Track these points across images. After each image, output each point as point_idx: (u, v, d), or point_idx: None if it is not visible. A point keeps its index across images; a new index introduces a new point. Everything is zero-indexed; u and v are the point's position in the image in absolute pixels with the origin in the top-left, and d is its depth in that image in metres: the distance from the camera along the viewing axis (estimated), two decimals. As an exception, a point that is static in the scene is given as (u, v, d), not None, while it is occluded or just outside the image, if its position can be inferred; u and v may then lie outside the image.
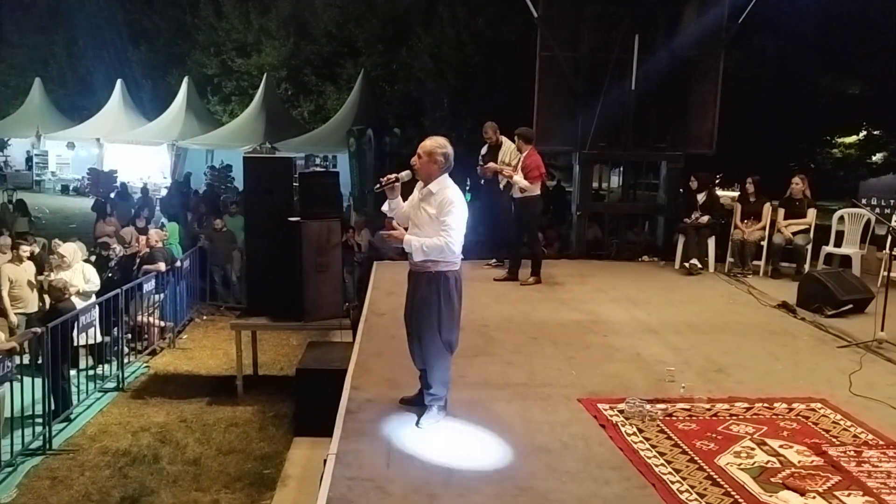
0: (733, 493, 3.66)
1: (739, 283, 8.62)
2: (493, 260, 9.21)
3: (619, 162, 11.76)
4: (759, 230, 9.14)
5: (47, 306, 8.53)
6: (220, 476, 6.56)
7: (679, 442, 4.25)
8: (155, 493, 6.22)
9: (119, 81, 25.76)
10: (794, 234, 8.91)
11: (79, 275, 9.02)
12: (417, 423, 4.38)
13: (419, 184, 4.48)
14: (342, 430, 4.32)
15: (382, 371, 5.30)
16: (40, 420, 7.14)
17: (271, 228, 8.18)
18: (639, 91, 9.72)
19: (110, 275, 10.41)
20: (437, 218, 4.30)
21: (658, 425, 4.48)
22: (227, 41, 25.96)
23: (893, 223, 8.62)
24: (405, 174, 4.48)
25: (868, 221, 8.85)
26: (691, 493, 3.66)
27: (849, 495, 3.67)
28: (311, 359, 7.67)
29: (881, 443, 4.30)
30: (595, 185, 13.15)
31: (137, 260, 10.61)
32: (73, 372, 8.07)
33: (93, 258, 10.72)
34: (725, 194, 17.59)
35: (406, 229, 4.48)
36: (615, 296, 7.95)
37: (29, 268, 9.39)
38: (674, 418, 4.60)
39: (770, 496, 3.64)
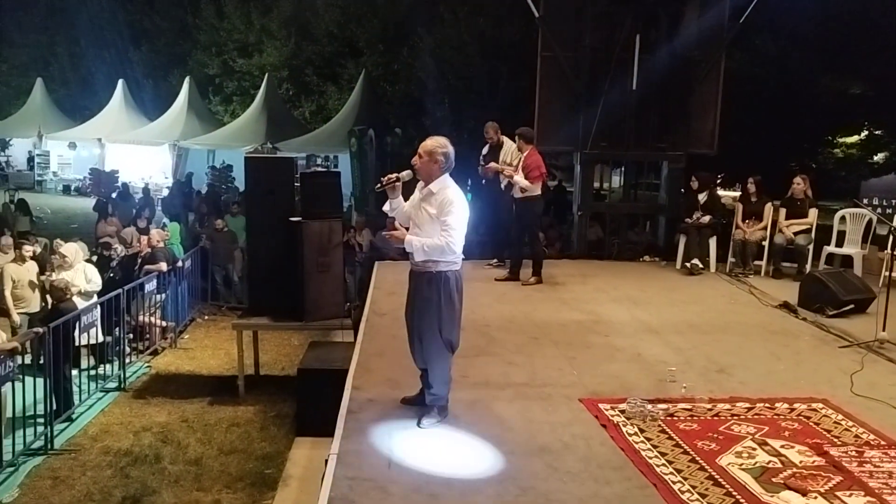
0: (735, 493, 3.66)
1: (741, 283, 8.61)
2: (495, 260, 9.21)
3: (620, 162, 11.75)
4: (761, 230, 9.13)
5: (49, 306, 8.54)
6: (222, 476, 6.57)
7: (680, 442, 4.25)
8: (156, 493, 6.23)
9: (120, 81, 25.77)
10: (796, 234, 8.90)
11: (80, 275, 9.03)
12: (419, 424, 4.38)
13: (420, 184, 4.48)
14: (343, 430, 4.32)
15: (384, 371, 5.30)
16: (42, 420, 7.15)
17: (273, 228, 8.19)
18: (640, 91, 9.71)
19: (112, 275, 10.42)
20: (438, 218, 4.30)
21: (659, 425, 4.48)
22: (229, 41, 25.96)
23: (895, 223, 8.61)
24: (406, 174, 4.48)
25: (869, 221, 8.84)
26: (693, 494, 3.66)
27: (850, 496, 3.67)
28: (312, 359, 7.68)
29: (883, 443, 4.29)
30: (596, 185, 13.15)
31: (139, 260, 10.62)
32: (74, 372, 8.08)
33: (94, 258, 10.73)
34: (727, 194, 17.57)
35: (407, 229, 4.48)
36: (616, 296, 7.95)
37: (32, 268, 9.41)
38: (675, 418, 4.59)
39: (771, 496, 3.64)
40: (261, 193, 8.32)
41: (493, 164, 8.59)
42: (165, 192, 21.97)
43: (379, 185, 4.49)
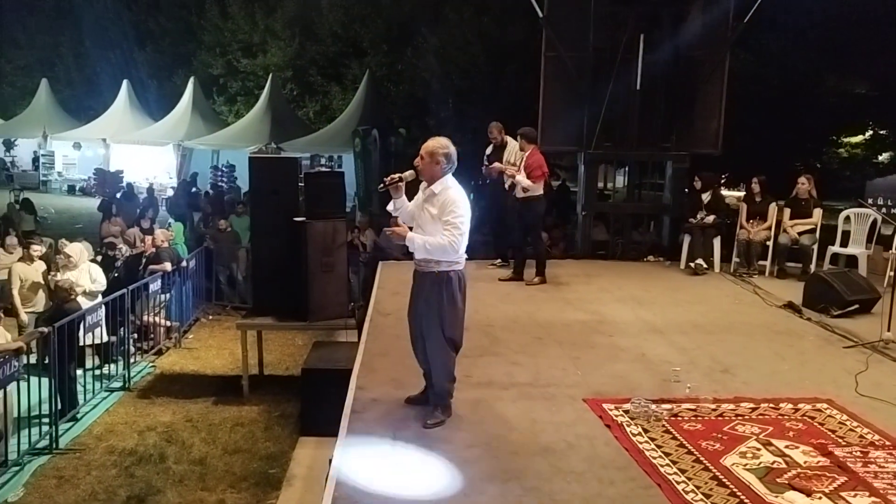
0: (739, 493, 3.66)
1: (745, 283, 8.60)
2: (499, 260, 9.21)
3: (624, 162, 11.74)
4: (765, 230, 9.11)
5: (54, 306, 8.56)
6: (226, 475, 6.58)
7: (684, 442, 4.24)
8: (161, 493, 6.24)
9: (125, 82, 25.85)
10: (800, 234, 8.89)
11: (85, 275, 9.05)
12: (423, 424, 4.38)
13: (423, 184, 4.49)
14: (347, 429, 4.33)
15: (388, 371, 5.31)
16: (47, 419, 7.16)
17: (277, 228, 8.21)
18: (644, 91, 9.70)
19: (116, 275, 10.44)
20: (440, 218, 4.30)
21: (663, 425, 4.47)
22: (233, 42, 26.03)
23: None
24: (409, 174, 4.49)
25: (874, 221, 8.82)
26: (697, 494, 3.65)
27: (855, 496, 3.66)
28: (316, 359, 7.69)
29: (887, 443, 4.28)
30: (600, 184, 13.12)
31: (143, 260, 10.64)
32: (79, 371, 8.10)
33: (99, 258, 10.75)
34: (731, 194, 17.57)
35: (411, 229, 4.48)
36: (620, 296, 7.94)
37: (39, 267, 9.43)
38: (679, 418, 4.59)
39: (776, 496, 3.64)
40: (265, 193, 8.34)
41: (496, 164, 8.59)
42: (170, 193, 22.02)
43: (382, 185, 4.50)
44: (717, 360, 5.81)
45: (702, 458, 4.03)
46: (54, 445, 7.04)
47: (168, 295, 10.37)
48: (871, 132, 18.38)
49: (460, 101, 18.24)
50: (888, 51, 13.50)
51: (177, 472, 6.60)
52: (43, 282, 9.31)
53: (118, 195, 19.14)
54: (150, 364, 9.57)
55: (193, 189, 20.45)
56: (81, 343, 8.17)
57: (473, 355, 5.55)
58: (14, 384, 6.74)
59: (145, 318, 9.80)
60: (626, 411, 4.64)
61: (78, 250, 9.28)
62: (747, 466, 3.95)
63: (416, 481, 3.76)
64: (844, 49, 14.30)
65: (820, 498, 3.64)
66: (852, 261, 8.78)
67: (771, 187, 9.46)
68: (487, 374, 5.36)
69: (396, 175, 4.47)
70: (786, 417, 4.65)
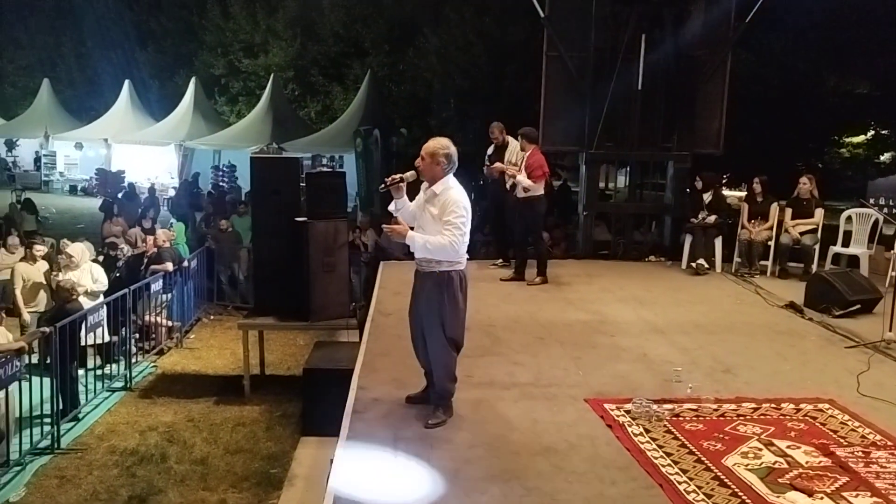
0: (741, 493, 3.65)
1: (747, 283, 8.60)
2: (500, 260, 9.21)
3: (625, 162, 11.73)
4: (767, 230, 9.11)
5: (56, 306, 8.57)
6: (228, 475, 6.59)
7: (686, 442, 4.24)
8: (162, 493, 6.25)
9: (127, 82, 25.87)
10: (802, 234, 8.89)
11: (87, 275, 9.06)
12: (425, 424, 4.38)
13: (424, 184, 4.49)
14: (349, 429, 4.33)
15: (389, 371, 5.31)
16: (49, 419, 7.17)
17: (278, 228, 8.22)
18: (645, 91, 9.69)
19: (118, 274, 10.45)
20: (441, 218, 4.31)
21: (665, 426, 4.47)
22: (235, 42, 26.03)
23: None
24: (410, 175, 4.49)
25: (876, 221, 8.81)
26: (698, 494, 3.65)
27: (857, 496, 3.66)
28: (317, 358, 7.69)
29: (889, 443, 4.28)
30: (601, 184, 13.12)
31: (145, 260, 10.65)
32: (81, 371, 8.11)
33: (100, 258, 10.77)
34: (733, 194, 17.55)
35: (412, 229, 4.48)
36: (622, 296, 7.94)
37: (41, 267, 9.45)
38: (681, 419, 4.59)
39: (777, 497, 3.63)
40: (266, 194, 8.34)
41: (498, 165, 8.59)
42: (171, 193, 22.04)
43: (383, 185, 4.50)
44: (719, 360, 5.80)
45: (703, 459, 4.03)
46: (56, 445, 7.05)
47: (169, 295, 10.38)
48: (872, 132, 18.34)
49: (462, 101, 18.22)
50: (890, 50, 13.48)
51: (178, 471, 6.61)
52: (45, 282, 9.32)
53: (120, 195, 19.17)
54: (152, 364, 9.58)
55: (195, 189, 20.46)
56: (83, 343, 8.17)
57: (475, 355, 5.55)
58: (16, 384, 6.75)
59: (147, 317, 9.81)
60: (628, 411, 4.64)
61: (80, 250, 9.30)
62: (749, 466, 3.95)
63: (418, 481, 3.76)
64: (846, 49, 14.27)
65: (821, 498, 3.63)
66: (854, 261, 8.78)
67: (772, 187, 9.45)
68: (489, 374, 5.36)
69: (397, 175, 4.47)
70: (787, 417, 4.65)
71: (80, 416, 7.73)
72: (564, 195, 16.61)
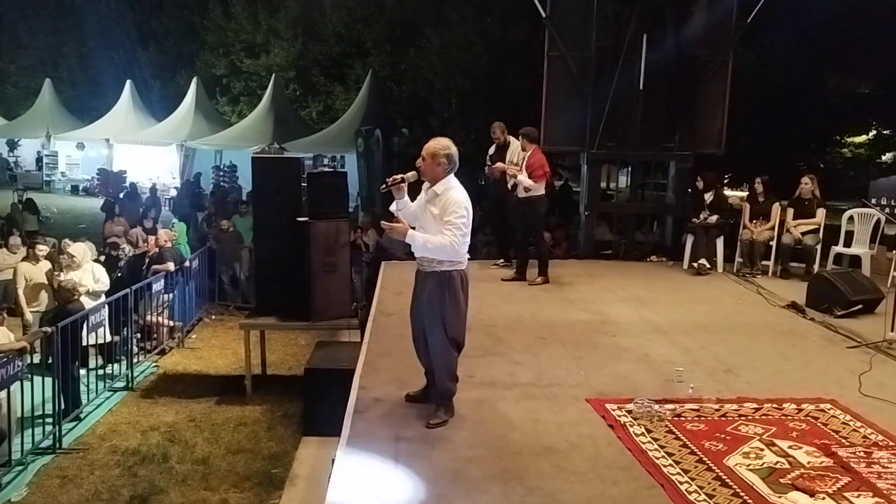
0: (742, 493, 3.65)
1: (748, 283, 8.59)
2: (501, 260, 9.21)
3: (627, 162, 11.73)
4: (768, 230, 9.10)
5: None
6: (229, 475, 6.59)
7: (687, 442, 4.24)
8: (164, 493, 6.25)
9: (128, 82, 25.90)
10: (804, 234, 8.88)
11: (88, 274, 9.07)
12: (426, 424, 4.38)
13: (425, 184, 4.49)
14: (350, 429, 4.33)
15: (391, 371, 5.31)
16: (50, 419, 7.18)
17: (280, 228, 8.22)
18: (647, 90, 9.69)
19: (119, 274, 10.46)
20: (442, 218, 4.31)
21: (666, 426, 4.47)
22: (236, 42, 26.05)
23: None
24: (411, 175, 4.49)
25: (878, 221, 8.80)
26: (700, 494, 3.65)
27: (858, 496, 3.65)
28: (319, 358, 7.69)
29: (891, 444, 4.27)
30: (603, 184, 13.13)
31: (146, 260, 10.66)
32: (82, 371, 8.11)
33: (102, 258, 10.78)
34: (734, 194, 17.54)
35: (414, 229, 4.48)
36: (623, 296, 7.93)
37: (43, 267, 9.46)
38: (682, 419, 4.59)
39: (779, 497, 3.63)
40: (268, 194, 8.34)
41: (499, 164, 8.59)
42: (173, 193, 22.05)
43: (384, 185, 4.51)
44: (721, 360, 5.80)
45: (705, 459, 4.03)
46: (58, 445, 7.05)
47: (171, 295, 10.38)
48: (874, 132, 18.35)
49: (463, 101, 18.23)
50: (891, 50, 13.47)
51: (180, 471, 6.61)
52: (47, 282, 9.33)
53: (121, 195, 19.19)
54: (154, 364, 9.58)
55: (197, 189, 20.48)
56: (85, 343, 8.18)
57: (476, 355, 5.55)
58: (17, 384, 6.76)
59: (148, 317, 9.82)
60: (629, 411, 4.64)
61: (81, 250, 9.30)
62: (750, 467, 3.94)
63: (419, 481, 3.76)
64: (847, 49, 14.26)
65: (823, 498, 3.63)
66: (856, 261, 8.77)
67: (774, 187, 9.44)
68: (490, 374, 5.36)
69: (399, 176, 4.47)
70: (789, 418, 4.64)
71: (82, 415, 7.73)
72: (566, 195, 16.62)
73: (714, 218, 9.11)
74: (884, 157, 18.94)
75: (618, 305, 7.49)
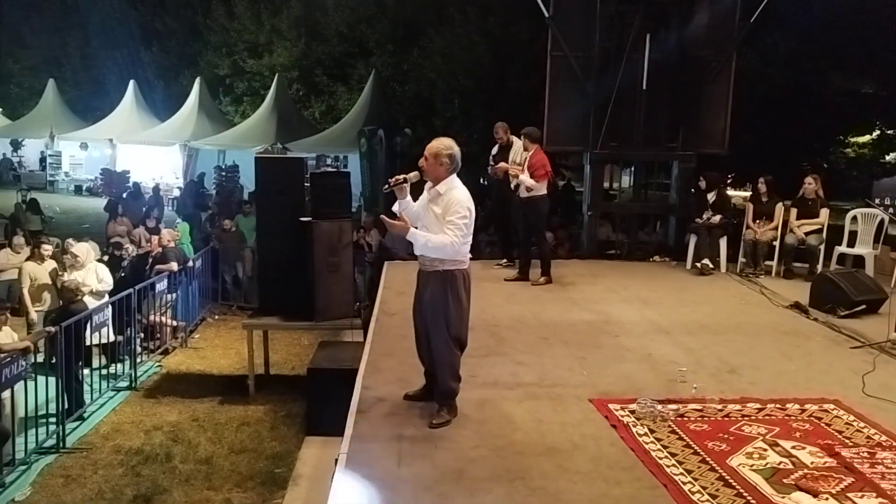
0: (745, 493, 3.65)
1: (751, 283, 8.58)
2: (504, 260, 9.21)
3: (630, 161, 11.72)
4: (772, 230, 9.09)
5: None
6: (232, 475, 6.59)
7: (691, 443, 4.23)
8: (167, 492, 6.26)
9: (132, 82, 25.95)
10: (807, 234, 8.86)
11: (92, 274, 9.09)
12: (429, 424, 4.38)
13: (428, 184, 4.50)
14: (353, 429, 4.33)
15: (393, 371, 5.31)
16: (54, 419, 7.19)
17: (283, 228, 8.23)
18: (650, 90, 9.69)
19: (123, 274, 10.48)
20: (444, 218, 4.32)
21: (669, 426, 4.47)
22: (239, 42, 26.08)
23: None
24: (413, 175, 4.49)
25: (881, 221, 8.78)
26: (703, 494, 3.65)
27: (862, 497, 3.65)
28: (322, 358, 7.70)
29: (895, 444, 4.27)
30: (606, 184, 13.11)
31: (150, 259, 10.67)
32: (86, 371, 8.12)
33: (105, 258, 10.79)
34: (737, 194, 17.51)
35: (416, 229, 4.49)
36: (626, 296, 7.93)
37: (48, 266, 9.48)
38: (685, 419, 4.58)
39: (782, 497, 3.63)
40: (271, 194, 8.34)
41: (502, 164, 8.59)
42: (176, 193, 22.08)
43: (387, 186, 4.51)
44: (724, 360, 5.79)
45: (708, 459, 4.03)
46: (61, 444, 7.06)
47: (174, 295, 10.39)
48: (878, 132, 18.29)
49: (466, 101, 18.23)
50: (895, 50, 13.44)
51: (183, 471, 6.61)
52: (51, 281, 9.35)
53: (125, 195, 19.21)
54: (157, 364, 9.59)
55: (201, 189, 20.49)
56: (88, 343, 8.19)
57: (479, 355, 5.56)
58: (21, 383, 6.76)
59: (152, 317, 9.83)
60: (632, 411, 4.64)
61: (85, 250, 9.32)
62: (754, 467, 3.94)
63: (422, 480, 3.76)
64: (851, 48, 14.22)
65: (827, 499, 3.63)
66: (859, 261, 8.75)
67: (777, 187, 9.43)
68: (493, 374, 5.36)
69: (401, 176, 4.48)
70: (792, 418, 4.64)
71: (86, 415, 7.74)
72: (569, 195, 16.61)
73: (717, 218, 9.10)
74: (888, 157, 18.88)
75: (621, 305, 7.49)
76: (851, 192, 16.59)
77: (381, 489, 3.67)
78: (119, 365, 8.99)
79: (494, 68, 17.73)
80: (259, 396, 8.43)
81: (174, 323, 10.38)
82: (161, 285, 9.94)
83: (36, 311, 9.13)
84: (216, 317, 11.88)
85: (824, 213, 8.96)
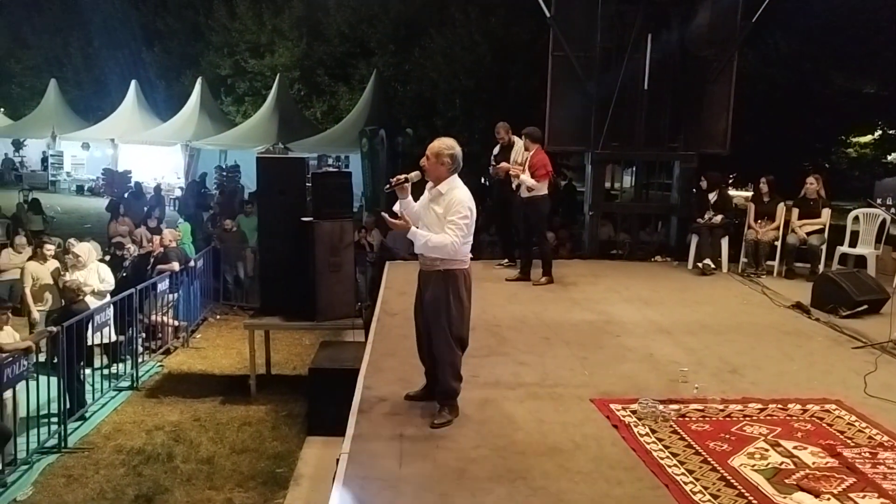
0: (747, 494, 3.65)
1: (753, 283, 8.57)
2: (506, 260, 9.21)
3: (631, 162, 11.72)
4: (773, 230, 9.08)
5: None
6: (234, 475, 6.60)
7: (692, 443, 4.23)
8: (169, 492, 6.27)
9: (133, 82, 25.95)
10: (809, 234, 8.86)
11: (94, 274, 9.10)
12: (431, 424, 4.38)
13: (429, 184, 4.50)
14: (354, 429, 4.33)
15: (395, 370, 5.31)
16: (56, 418, 7.20)
17: (284, 228, 8.23)
18: (652, 91, 9.68)
19: (124, 274, 10.48)
20: (445, 217, 4.33)
21: (671, 426, 4.46)
22: (241, 42, 26.08)
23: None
24: (415, 175, 4.50)
25: (883, 221, 8.77)
26: (704, 494, 3.64)
27: (864, 497, 3.64)
28: (323, 358, 7.70)
29: (897, 444, 4.27)
30: (607, 184, 13.11)
31: (151, 259, 10.68)
32: (87, 371, 8.13)
33: (107, 258, 10.80)
34: (739, 194, 17.50)
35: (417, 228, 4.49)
36: (628, 296, 7.93)
37: (50, 266, 9.49)
38: (687, 419, 4.58)
39: (784, 497, 3.63)
40: (273, 194, 8.35)
41: (504, 164, 8.59)
42: (178, 193, 22.08)
43: (388, 185, 4.52)
44: (725, 360, 5.79)
45: (710, 459, 4.02)
46: (63, 444, 7.08)
47: (176, 294, 10.40)
48: (879, 132, 18.28)
49: (467, 101, 18.22)
50: (898, 50, 13.44)
51: (184, 471, 6.62)
52: (52, 281, 9.36)
53: (126, 195, 19.22)
54: (158, 363, 9.60)
55: (203, 189, 20.48)
56: (90, 343, 8.20)
57: (480, 355, 5.56)
58: (22, 383, 6.77)
59: (153, 317, 9.84)
60: (634, 412, 4.63)
61: (86, 250, 9.33)
62: (755, 467, 3.94)
63: (424, 480, 3.76)
64: (853, 48, 14.21)
65: (828, 499, 3.62)
66: (861, 261, 8.74)
67: (779, 187, 9.43)
68: (494, 374, 5.36)
69: (402, 176, 4.49)
70: (794, 418, 4.64)
71: (87, 415, 7.76)
72: (570, 195, 16.61)
73: (719, 218, 9.09)
74: (889, 157, 18.87)
75: (622, 305, 7.49)
76: (853, 192, 16.58)
77: (382, 489, 3.67)
78: (121, 365, 9.00)
79: (496, 68, 17.73)
80: (260, 396, 8.44)
81: (176, 323, 10.39)
82: (163, 285, 9.95)
83: (38, 310, 9.15)
84: (218, 317, 11.89)
85: (826, 213, 8.96)
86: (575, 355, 5.86)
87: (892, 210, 8.58)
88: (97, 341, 8.49)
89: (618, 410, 4.67)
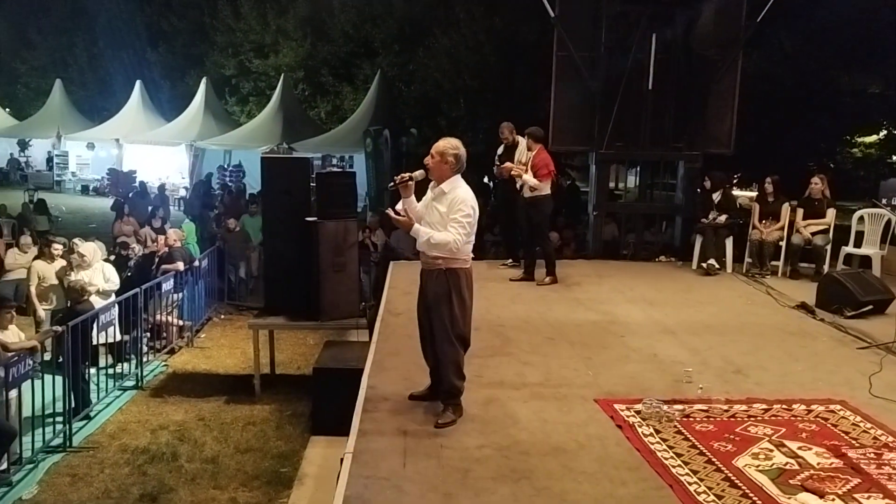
0: (751, 494, 3.64)
1: (758, 283, 8.56)
2: (510, 260, 9.20)
3: (635, 162, 11.70)
4: (778, 230, 9.07)
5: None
6: (238, 474, 6.61)
7: (696, 443, 4.23)
8: (173, 491, 6.28)
9: (138, 82, 26.02)
10: (814, 234, 8.84)
11: (99, 274, 9.11)
12: (435, 424, 4.38)
13: (432, 183, 4.52)
14: (359, 428, 4.34)
15: (399, 370, 5.32)
16: (61, 418, 7.22)
17: (289, 228, 8.24)
18: (656, 90, 9.66)
19: (129, 274, 10.50)
20: (448, 216, 4.34)
21: (675, 426, 4.46)
22: (245, 42, 26.13)
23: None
24: (419, 173, 4.52)
25: (888, 221, 8.75)
26: (709, 495, 3.64)
27: (868, 498, 3.64)
28: (327, 358, 7.71)
29: (901, 445, 4.26)
30: (611, 184, 13.09)
31: (156, 259, 10.70)
32: (92, 370, 8.15)
33: (112, 258, 10.82)
34: (744, 194, 17.48)
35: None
36: (632, 296, 7.92)
37: (57, 266, 9.53)
38: (691, 419, 4.58)
39: (789, 498, 3.62)
40: (277, 193, 8.36)
41: (508, 164, 8.59)
42: (182, 193, 22.11)
43: (392, 184, 4.53)
44: (730, 360, 5.78)
45: (714, 459, 4.02)
46: (68, 443, 7.09)
47: (180, 294, 10.42)
48: (885, 132, 18.25)
49: (471, 101, 18.23)
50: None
51: (189, 470, 6.63)
52: (58, 281, 9.39)
53: (131, 195, 19.25)
54: (163, 363, 9.62)
55: (208, 189, 20.50)
56: (95, 342, 8.22)
57: (485, 355, 5.56)
58: (28, 382, 6.79)
59: (158, 317, 9.85)
60: (638, 412, 4.63)
61: (91, 250, 9.35)
62: (760, 468, 3.93)
63: (427, 480, 3.76)
64: (857, 48, 14.19)
65: (833, 500, 3.62)
66: (866, 261, 8.72)
67: (784, 187, 9.40)
68: (498, 374, 5.36)
69: (406, 174, 4.50)
70: (799, 418, 4.63)
71: (92, 414, 7.77)
72: (574, 195, 16.60)
73: (723, 218, 9.08)
74: (894, 158, 18.84)
75: (626, 306, 7.48)
76: (858, 193, 16.54)
77: (386, 488, 3.67)
78: (125, 364, 9.01)
79: (500, 68, 17.72)
80: (265, 396, 8.45)
81: (180, 322, 10.41)
82: (167, 285, 9.96)
83: (43, 310, 9.18)
84: (222, 316, 11.91)
85: (831, 213, 8.94)
86: (579, 355, 5.86)
87: (898, 210, 8.56)
88: (102, 341, 8.51)
89: (622, 410, 4.67)
